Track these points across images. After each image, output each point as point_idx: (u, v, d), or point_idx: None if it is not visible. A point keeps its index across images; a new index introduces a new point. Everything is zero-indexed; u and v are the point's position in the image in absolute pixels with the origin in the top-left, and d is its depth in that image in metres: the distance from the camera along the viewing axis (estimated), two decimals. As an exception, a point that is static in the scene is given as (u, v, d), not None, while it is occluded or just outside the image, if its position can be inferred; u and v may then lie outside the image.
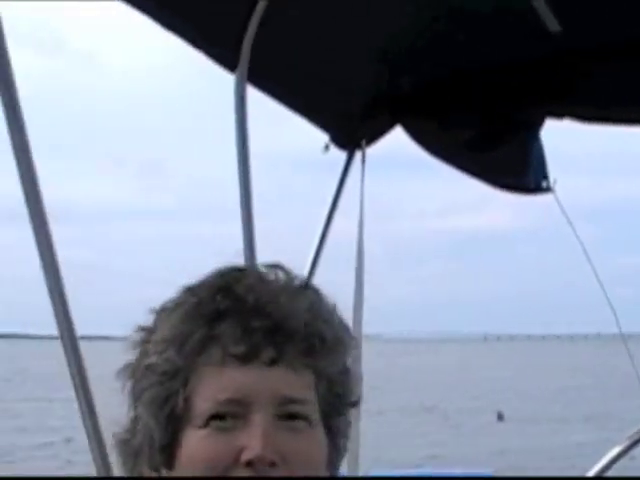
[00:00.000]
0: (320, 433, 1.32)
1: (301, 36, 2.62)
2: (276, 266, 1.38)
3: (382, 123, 3.15)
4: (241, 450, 1.24)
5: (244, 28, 2.45)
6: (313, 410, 1.31)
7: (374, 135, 3.17)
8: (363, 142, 3.15)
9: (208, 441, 1.26)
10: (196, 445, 1.27)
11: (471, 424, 30.90)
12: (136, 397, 1.32)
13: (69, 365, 1.99)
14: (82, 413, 2.01)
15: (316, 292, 1.38)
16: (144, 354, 1.32)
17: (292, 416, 1.28)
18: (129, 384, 1.33)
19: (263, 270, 1.37)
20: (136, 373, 1.33)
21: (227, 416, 1.27)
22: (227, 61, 2.55)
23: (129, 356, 1.35)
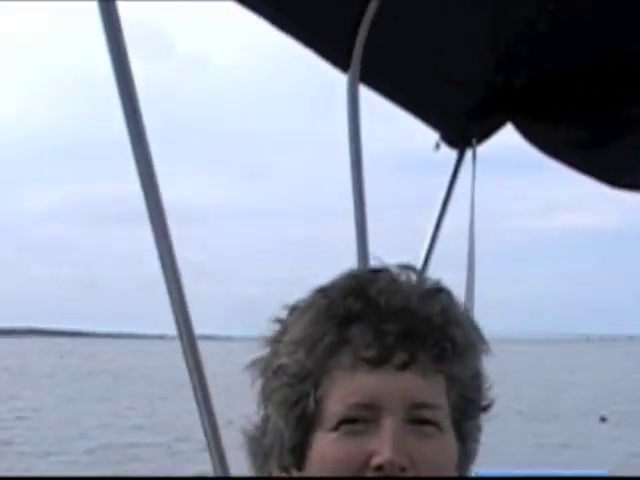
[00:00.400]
0: (450, 438, 1.30)
1: (413, 35, 2.61)
2: (408, 267, 1.37)
3: (493, 121, 3.11)
4: (371, 454, 1.24)
5: (356, 28, 2.45)
6: (444, 415, 1.29)
7: (485, 133, 3.14)
8: (474, 140, 3.13)
9: (338, 444, 1.26)
10: (326, 448, 1.27)
11: (575, 426, 30.50)
12: (266, 397, 1.33)
13: (187, 364, 2.01)
14: (200, 411, 2.03)
15: (448, 294, 1.36)
16: (275, 354, 1.32)
17: (422, 421, 1.27)
18: (259, 382, 1.34)
19: (395, 271, 1.36)
20: (267, 372, 1.33)
21: (357, 420, 1.26)
22: (340, 61, 2.55)
23: (260, 353, 1.36)
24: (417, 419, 1.27)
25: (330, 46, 2.53)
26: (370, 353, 1.26)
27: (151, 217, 1.93)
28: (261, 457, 1.34)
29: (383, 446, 1.23)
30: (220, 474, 2.07)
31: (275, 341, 1.34)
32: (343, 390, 1.27)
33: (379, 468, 1.23)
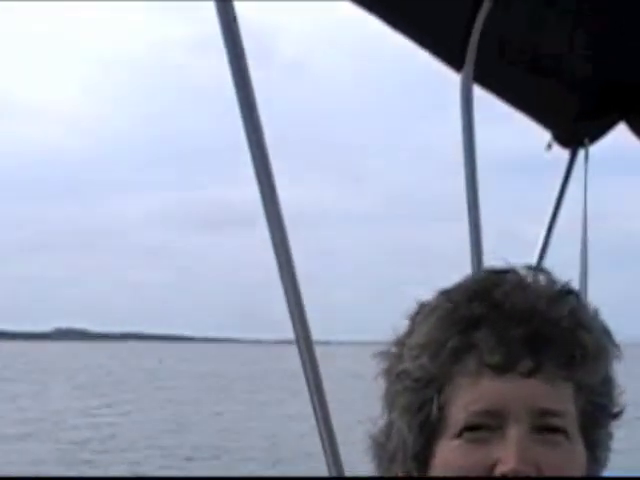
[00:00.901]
0: (579, 446, 1.27)
1: (526, 35, 2.58)
2: (537, 268, 1.34)
3: (606, 120, 3.07)
4: (496, 463, 1.21)
5: (470, 27, 2.44)
6: (571, 423, 1.26)
7: (598, 133, 3.10)
8: (586, 140, 3.09)
9: (462, 452, 1.24)
10: (450, 455, 1.25)
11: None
12: (389, 401, 1.32)
13: (304, 368, 2.02)
14: (316, 414, 2.04)
15: (577, 297, 1.31)
16: (399, 358, 1.31)
17: (549, 429, 1.24)
18: (383, 386, 1.33)
19: (523, 273, 1.32)
20: (390, 376, 1.32)
21: (482, 427, 1.24)
22: (453, 60, 2.55)
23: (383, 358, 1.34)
24: (543, 427, 1.23)
25: (444, 46, 2.53)
26: (495, 359, 1.23)
27: (269, 222, 1.94)
28: (385, 462, 1.33)
29: (508, 455, 1.21)
30: (334, 474, 2.07)
31: (399, 344, 1.32)
32: (467, 397, 1.25)
33: (503, 477, 1.20)
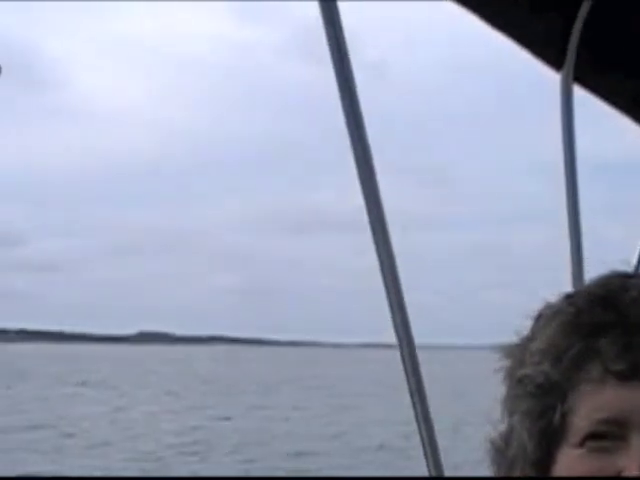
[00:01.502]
0: None
1: (627, 34, 2.54)
2: None
3: None
4: (619, 472, 1.19)
5: (570, 27, 2.41)
6: None
7: None
8: None
9: (585, 461, 1.21)
10: (572, 464, 1.22)
11: None
12: (509, 406, 1.29)
13: (406, 371, 2.02)
14: (417, 416, 2.04)
15: None
16: (520, 362, 1.28)
17: None
18: (503, 391, 1.31)
19: None
20: (511, 381, 1.29)
21: (605, 436, 1.21)
22: (553, 60, 2.52)
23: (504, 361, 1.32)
24: None
25: (544, 45, 2.50)
26: (620, 366, 1.20)
27: (373, 227, 1.93)
28: (504, 468, 1.30)
29: (632, 464, 1.18)
30: (434, 475, 2.07)
31: (521, 349, 1.30)
32: (590, 405, 1.22)
33: None
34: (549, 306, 1.31)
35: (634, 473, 1.17)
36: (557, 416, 1.24)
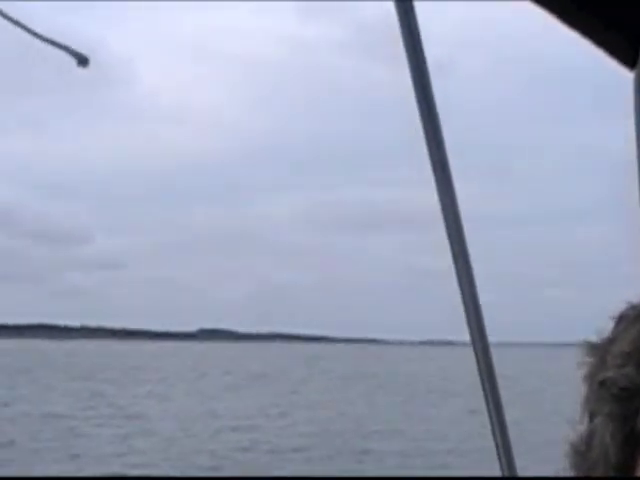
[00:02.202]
0: None
1: None
2: None
3: None
4: None
5: None
6: None
7: None
8: None
9: None
10: None
11: None
12: (591, 408, 1.27)
13: (479, 369, 2.01)
14: (490, 415, 2.03)
15: None
16: (602, 364, 1.26)
17: None
18: (583, 392, 1.28)
19: None
20: (592, 383, 1.27)
21: None
22: (626, 59, 2.48)
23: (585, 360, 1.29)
24: None
25: (617, 41, 2.46)
26: None
27: (447, 224, 1.93)
28: (585, 471, 1.28)
29: None
30: (507, 474, 2.05)
31: (602, 350, 1.27)
32: None
33: None
34: (632, 307, 1.28)
35: None
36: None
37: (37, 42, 2.27)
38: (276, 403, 43.66)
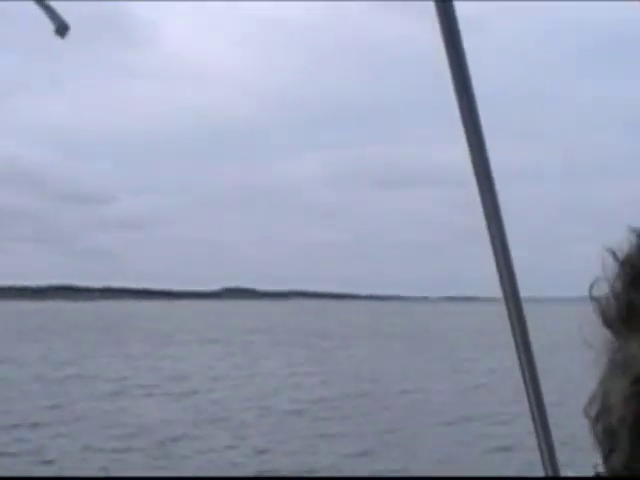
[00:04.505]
0: None
1: None
2: None
3: None
4: None
5: None
6: None
7: None
8: None
9: None
10: None
11: None
12: (606, 386, 1.14)
13: (512, 327, 1.99)
14: (523, 373, 1.99)
15: None
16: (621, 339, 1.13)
17: None
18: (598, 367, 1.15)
19: None
20: (610, 361, 1.14)
21: None
22: None
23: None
24: None
25: None
26: None
27: (479, 180, 1.92)
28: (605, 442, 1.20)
29: None
30: (550, 472, 1.99)
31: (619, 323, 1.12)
32: None
33: None
34: None
35: None
36: None
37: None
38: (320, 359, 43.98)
